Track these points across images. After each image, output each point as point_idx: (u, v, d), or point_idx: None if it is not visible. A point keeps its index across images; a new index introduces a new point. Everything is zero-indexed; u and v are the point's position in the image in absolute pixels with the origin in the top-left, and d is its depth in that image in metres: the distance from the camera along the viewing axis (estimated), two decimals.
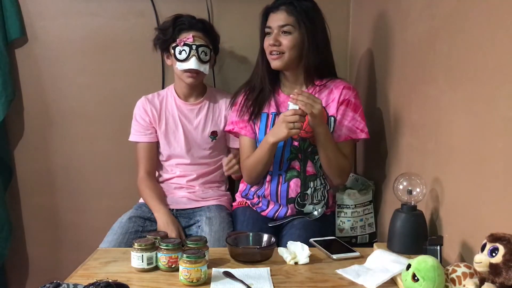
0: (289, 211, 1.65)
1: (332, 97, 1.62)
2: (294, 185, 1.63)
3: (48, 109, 2.17)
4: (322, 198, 1.67)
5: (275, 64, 1.58)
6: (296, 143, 1.61)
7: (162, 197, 1.77)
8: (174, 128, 1.83)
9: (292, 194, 1.64)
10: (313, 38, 1.56)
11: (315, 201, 1.66)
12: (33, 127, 2.18)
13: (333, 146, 1.54)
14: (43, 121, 2.18)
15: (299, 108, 1.42)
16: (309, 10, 1.56)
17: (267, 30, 1.58)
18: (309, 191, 1.64)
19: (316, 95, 1.59)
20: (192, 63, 1.71)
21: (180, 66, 1.73)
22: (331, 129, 1.59)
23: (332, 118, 1.60)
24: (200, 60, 1.72)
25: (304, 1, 1.58)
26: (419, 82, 1.40)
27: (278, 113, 1.63)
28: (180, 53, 1.72)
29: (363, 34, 1.99)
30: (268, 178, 1.67)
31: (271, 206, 1.69)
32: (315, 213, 1.66)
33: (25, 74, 2.14)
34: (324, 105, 1.58)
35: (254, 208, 1.73)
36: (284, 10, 1.55)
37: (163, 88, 2.10)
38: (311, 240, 1.44)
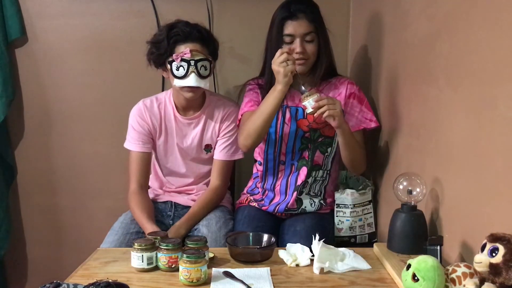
0: (291, 201, 1.69)
1: (338, 92, 1.69)
2: (302, 173, 1.70)
3: (48, 109, 2.17)
4: (319, 193, 1.73)
5: (300, 69, 1.61)
6: (307, 134, 1.67)
7: (149, 213, 1.64)
8: (171, 143, 1.78)
9: (299, 182, 1.70)
10: (327, 42, 1.65)
11: (311, 193, 1.72)
12: (33, 127, 2.19)
13: (355, 140, 1.60)
14: (43, 121, 2.18)
15: (314, 106, 1.45)
16: (320, 15, 1.63)
17: (288, 38, 1.59)
18: (310, 180, 1.70)
19: (324, 92, 1.68)
20: (192, 81, 1.60)
21: (178, 83, 1.62)
22: None
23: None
24: (200, 76, 1.60)
25: (315, 7, 1.63)
26: (419, 82, 1.40)
27: (287, 106, 1.68)
28: (177, 69, 1.60)
29: (363, 34, 2.00)
30: (281, 167, 1.72)
31: (274, 200, 1.73)
32: (311, 206, 1.70)
33: (25, 74, 2.14)
34: None
35: (255, 205, 1.76)
36: (305, 18, 1.57)
37: (163, 89, 2.11)
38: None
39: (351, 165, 1.65)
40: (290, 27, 1.58)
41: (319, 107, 1.44)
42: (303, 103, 1.47)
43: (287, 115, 1.68)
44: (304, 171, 1.69)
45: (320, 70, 1.65)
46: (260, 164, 1.78)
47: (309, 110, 1.47)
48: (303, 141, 1.68)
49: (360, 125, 1.67)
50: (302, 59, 1.59)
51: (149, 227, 1.55)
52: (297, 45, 1.58)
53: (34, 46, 2.12)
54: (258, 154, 1.79)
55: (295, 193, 1.70)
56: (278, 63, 1.48)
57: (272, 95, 1.53)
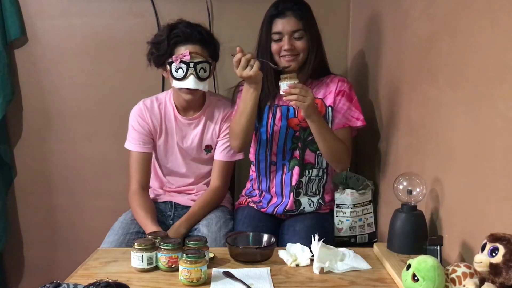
0: (289, 203, 1.68)
1: (329, 90, 1.69)
2: (295, 173, 1.69)
3: (47, 109, 2.17)
4: (317, 192, 1.72)
5: (291, 65, 1.61)
6: (297, 134, 1.67)
7: (153, 214, 1.64)
8: (172, 143, 1.78)
9: (293, 182, 1.69)
10: (317, 40, 1.64)
11: (309, 193, 1.71)
12: (33, 127, 2.19)
13: (329, 132, 1.59)
14: (43, 121, 2.18)
15: (285, 90, 1.47)
16: (310, 14, 1.64)
17: (276, 36, 1.60)
18: (303, 179, 1.70)
19: (314, 90, 1.68)
20: (190, 83, 1.60)
21: (177, 84, 1.62)
22: (330, 118, 1.66)
23: (330, 108, 1.67)
24: (198, 78, 1.60)
25: (304, 5, 1.64)
26: (419, 82, 1.40)
27: (278, 105, 1.68)
28: (176, 70, 1.60)
29: (363, 34, 2.00)
30: (273, 168, 1.72)
31: (272, 202, 1.72)
32: (310, 206, 1.70)
33: (24, 74, 2.14)
34: (322, 97, 1.68)
35: (254, 206, 1.76)
36: (293, 15, 1.59)
37: (163, 89, 2.11)
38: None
39: (329, 158, 1.63)
40: (279, 25, 1.60)
41: (290, 94, 1.46)
42: (280, 82, 1.49)
43: (278, 114, 1.68)
44: (296, 171, 1.68)
45: (308, 67, 1.64)
46: (253, 165, 1.78)
47: (281, 91, 1.49)
48: (294, 140, 1.68)
49: (345, 122, 1.66)
50: (291, 55, 1.60)
51: (154, 228, 1.54)
52: (285, 42, 1.59)
53: (33, 46, 2.12)
54: (252, 155, 1.80)
55: (292, 195, 1.69)
56: (242, 71, 1.47)
57: (248, 94, 1.55)
